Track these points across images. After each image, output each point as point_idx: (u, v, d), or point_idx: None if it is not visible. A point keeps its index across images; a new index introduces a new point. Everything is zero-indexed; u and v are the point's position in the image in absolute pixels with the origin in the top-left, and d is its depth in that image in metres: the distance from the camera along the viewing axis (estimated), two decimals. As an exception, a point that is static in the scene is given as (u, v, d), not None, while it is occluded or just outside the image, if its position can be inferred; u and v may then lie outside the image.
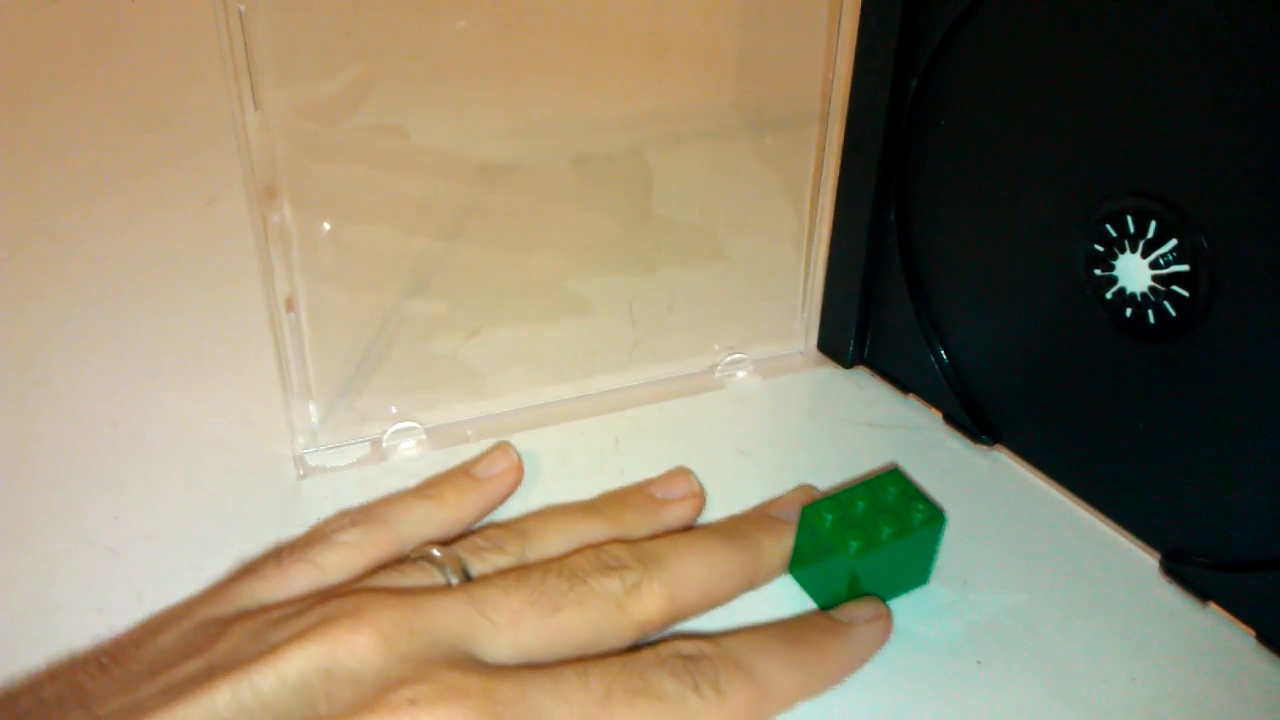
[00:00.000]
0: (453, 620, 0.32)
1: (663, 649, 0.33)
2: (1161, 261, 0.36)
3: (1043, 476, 0.44)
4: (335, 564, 0.35)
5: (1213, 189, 0.34)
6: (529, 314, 0.53)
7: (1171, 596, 0.39)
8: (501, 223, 0.59)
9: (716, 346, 0.50)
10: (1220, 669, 0.36)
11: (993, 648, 0.37)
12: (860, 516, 0.37)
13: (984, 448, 0.45)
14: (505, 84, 0.65)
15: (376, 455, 0.44)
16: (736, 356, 0.50)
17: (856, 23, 0.44)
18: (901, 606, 0.38)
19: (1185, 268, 0.36)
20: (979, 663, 0.36)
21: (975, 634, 0.37)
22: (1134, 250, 0.37)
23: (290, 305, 0.41)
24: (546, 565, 0.35)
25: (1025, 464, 0.44)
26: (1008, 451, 0.45)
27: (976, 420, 0.45)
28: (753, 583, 0.38)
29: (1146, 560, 0.40)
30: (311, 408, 0.44)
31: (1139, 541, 0.41)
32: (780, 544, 0.39)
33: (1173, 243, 0.36)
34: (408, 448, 0.45)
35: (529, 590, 0.33)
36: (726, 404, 0.48)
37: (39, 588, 0.38)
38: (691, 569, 0.36)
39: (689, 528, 0.41)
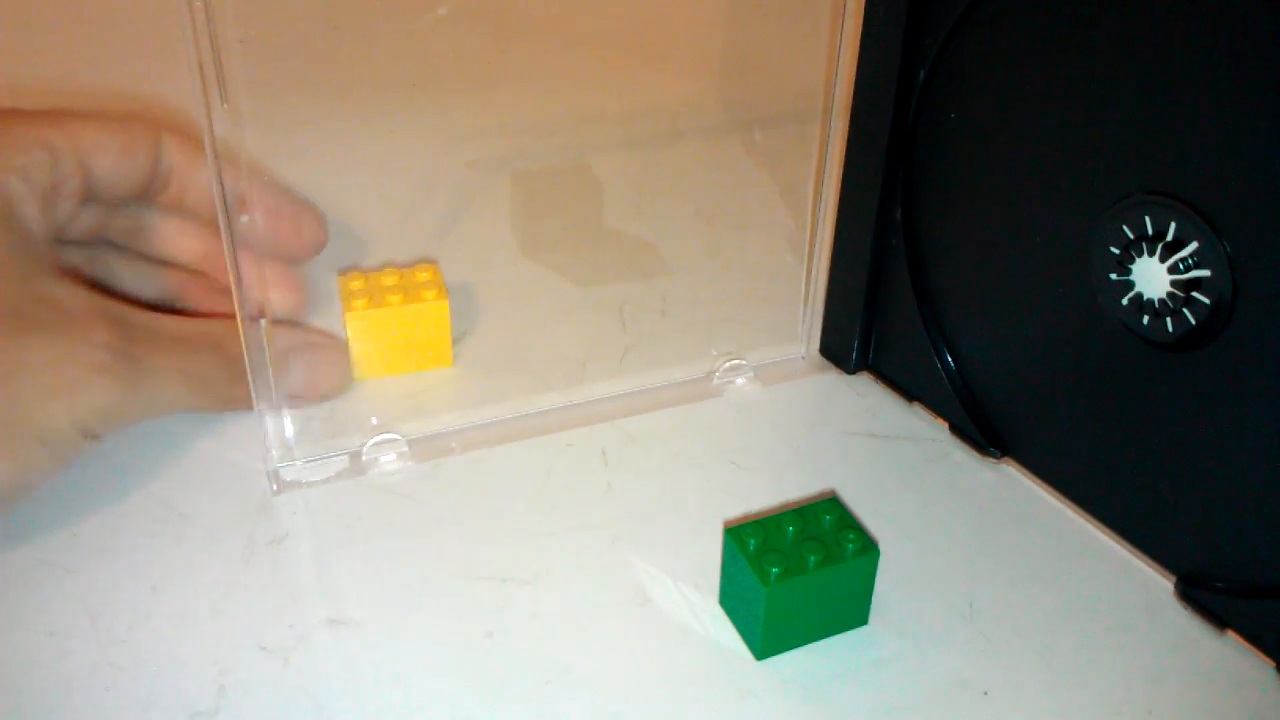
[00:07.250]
0: None
1: None
2: (1181, 266, 0.34)
3: (1053, 492, 0.41)
4: None
5: (1237, 190, 0.32)
6: (516, 319, 0.51)
7: (1187, 623, 0.37)
8: (487, 225, 0.57)
9: (714, 352, 0.48)
10: (1239, 703, 0.34)
11: (1000, 676, 0.35)
12: (787, 543, 0.35)
13: (992, 460, 0.43)
14: (492, 83, 0.63)
15: (355, 469, 0.42)
16: (735, 362, 0.48)
17: (861, 12, 0.42)
18: (911, 634, 0.36)
19: (1207, 273, 0.34)
20: (986, 693, 0.34)
21: (982, 660, 0.35)
22: (1152, 254, 0.35)
23: (261, 311, 0.39)
24: None
25: (1035, 478, 0.42)
26: (1017, 465, 0.43)
27: (984, 431, 0.43)
28: None
29: (1161, 583, 0.38)
30: (286, 419, 0.42)
31: (1153, 563, 0.39)
32: None
33: (1194, 246, 0.34)
34: (388, 461, 0.43)
35: None
36: (724, 412, 0.46)
37: (-7, 608, 0.36)
38: None
39: None
